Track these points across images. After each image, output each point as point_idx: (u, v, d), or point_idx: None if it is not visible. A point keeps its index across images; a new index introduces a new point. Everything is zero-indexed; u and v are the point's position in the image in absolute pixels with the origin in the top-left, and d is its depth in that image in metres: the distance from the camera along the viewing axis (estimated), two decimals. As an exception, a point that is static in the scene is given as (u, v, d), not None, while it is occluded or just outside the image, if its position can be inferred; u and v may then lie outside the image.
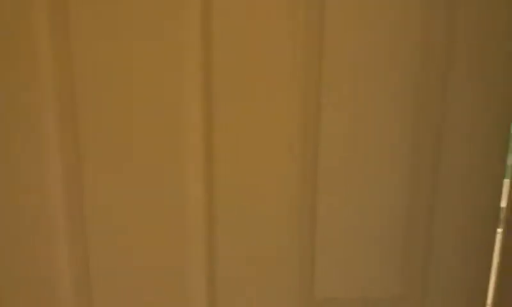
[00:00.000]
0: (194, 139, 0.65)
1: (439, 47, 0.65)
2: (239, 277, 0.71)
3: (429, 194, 0.70)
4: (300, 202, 0.69)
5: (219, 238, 0.69)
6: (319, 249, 0.71)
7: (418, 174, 0.69)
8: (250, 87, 0.63)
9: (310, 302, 0.73)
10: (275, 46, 0.62)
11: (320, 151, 0.67)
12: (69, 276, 0.68)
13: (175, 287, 0.70)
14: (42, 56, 0.60)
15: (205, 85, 0.63)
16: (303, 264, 0.71)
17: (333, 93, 0.65)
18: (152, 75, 0.62)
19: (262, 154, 0.66)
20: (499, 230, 0.73)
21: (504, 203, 0.73)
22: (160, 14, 0.60)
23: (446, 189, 0.70)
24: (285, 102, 0.64)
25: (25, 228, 0.65)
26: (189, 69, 0.62)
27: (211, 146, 0.65)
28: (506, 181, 0.72)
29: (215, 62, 0.62)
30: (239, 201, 0.68)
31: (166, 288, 0.70)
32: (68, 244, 0.67)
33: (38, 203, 0.65)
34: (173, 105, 0.63)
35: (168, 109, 0.63)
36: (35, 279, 0.67)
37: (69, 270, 0.68)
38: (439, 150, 0.68)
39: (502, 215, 0.73)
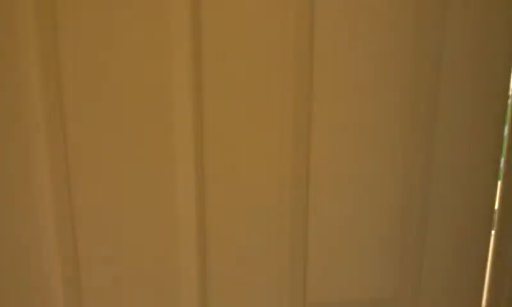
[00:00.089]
0: (184, 136, 0.64)
1: (433, 48, 0.65)
2: (230, 280, 0.70)
3: (423, 196, 0.70)
4: (292, 203, 0.68)
5: (209, 240, 0.68)
6: (311, 250, 0.71)
7: (412, 176, 0.69)
8: (241, 85, 0.63)
9: (302, 305, 0.73)
10: (266, 42, 0.62)
11: (312, 151, 0.67)
12: (59, 277, 0.67)
13: (166, 289, 0.70)
14: (29, 54, 0.59)
15: (195, 83, 0.62)
16: (295, 266, 0.71)
17: (325, 91, 0.65)
18: (141, 75, 0.61)
19: (253, 154, 0.66)
20: (493, 232, 0.73)
21: (496, 205, 0.73)
22: (149, 11, 0.60)
23: (440, 191, 0.70)
24: (276, 101, 0.64)
25: (13, 231, 0.65)
26: (179, 65, 0.62)
27: (201, 146, 0.65)
28: (498, 183, 0.72)
29: (205, 59, 0.62)
30: (230, 202, 0.67)
31: (157, 290, 0.70)
32: (58, 244, 0.66)
33: (26, 203, 0.64)
34: (163, 102, 0.63)
35: (158, 106, 0.63)
36: (25, 283, 0.67)
37: (59, 271, 0.67)
38: (432, 152, 0.68)
39: (495, 217, 0.73)
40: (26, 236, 0.65)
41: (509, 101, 0.69)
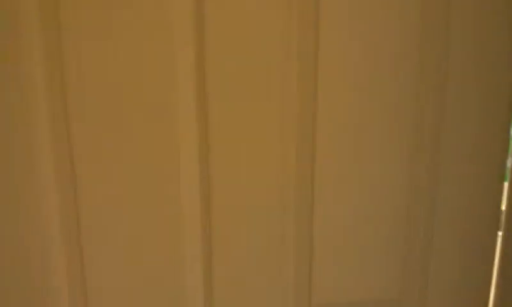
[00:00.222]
0: (189, 136, 0.64)
1: (438, 48, 0.64)
2: (235, 280, 0.70)
3: (429, 196, 0.70)
4: (297, 203, 0.68)
5: (214, 240, 0.68)
6: (316, 251, 0.70)
7: (418, 177, 0.69)
8: (245, 85, 0.63)
9: (308, 305, 0.73)
10: (271, 41, 0.62)
11: (317, 151, 0.66)
12: (64, 277, 0.67)
13: (171, 289, 0.70)
14: (33, 54, 0.59)
15: (199, 82, 0.62)
16: (300, 266, 0.71)
17: (329, 91, 0.64)
18: (145, 74, 0.61)
19: (258, 154, 0.65)
20: (500, 233, 0.73)
21: (503, 206, 0.72)
22: (153, 11, 0.60)
23: (446, 192, 0.70)
24: (281, 101, 0.64)
25: (18, 231, 0.65)
26: (182, 65, 0.61)
27: (206, 146, 0.65)
28: (505, 185, 0.71)
29: (208, 59, 0.62)
30: (235, 202, 0.67)
31: (162, 290, 0.70)
32: (62, 244, 0.66)
33: (31, 203, 0.64)
34: (167, 103, 0.62)
35: (162, 106, 0.63)
36: (30, 283, 0.67)
37: (64, 271, 0.67)
38: (438, 153, 0.68)
39: (502, 218, 0.72)
40: (31, 236, 0.65)
41: (516, 101, 0.68)
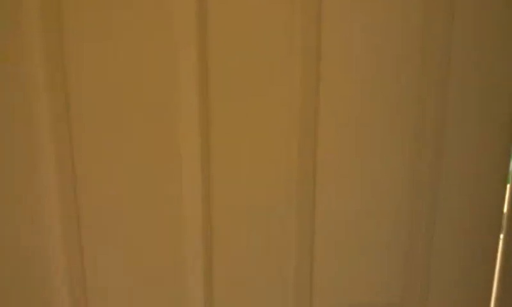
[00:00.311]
0: (190, 134, 0.64)
1: (441, 45, 0.64)
2: (236, 280, 0.70)
3: (431, 197, 0.70)
4: (299, 202, 0.68)
5: (215, 239, 0.68)
6: (317, 251, 0.70)
7: (420, 178, 0.69)
8: (247, 82, 0.63)
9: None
10: (273, 38, 0.62)
11: (319, 149, 0.66)
12: (65, 277, 0.67)
13: (171, 289, 0.69)
14: (35, 55, 0.59)
15: (201, 80, 0.62)
16: (301, 266, 0.70)
17: (332, 87, 0.64)
18: (147, 75, 0.61)
19: (260, 152, 0.65)
20: (502, 236, 0.72)
21: (505, 209, 0.72)
22: (155, 12, 0.60)
23: (448, 193, 0.69)
24: (283, 98, 0.64)
25: (19, 231, 0.65)
26: (185, 64, 0.61)
27: (208, 143, 0.64)
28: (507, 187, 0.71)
29: (211, 57, 0.62)
30: (237, 200, 0.67)
31: (163, 290, 0.69)
32: (63, 245, 0.66)
33: (32, 204, 0.64)
34: (169, 102, 0.62)
35: (164, 106, 0.63)
36: (30, 283, 0.67)
37: (64, 271, 0.67)
38: (441, 151, 0.68)
39: (504, 221, 0.72)
40: (32, 237, 0.65)
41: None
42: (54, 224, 0.65)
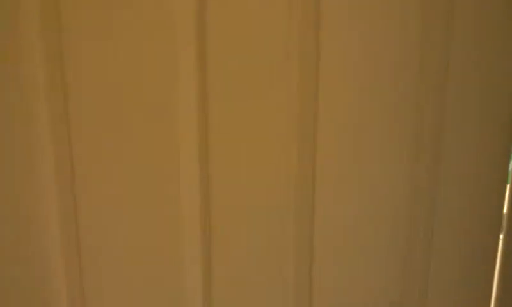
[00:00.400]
0: (189, 136, 0.64)
1: (440, 48, 0.64)
2: (234, 281, 0.70)
3: (430, 198, 0.69)
4: (298, 203, 0.68)
5: (214, 240, 0.68)
6: (316, 251, 0.70)
7: (419, 178, 0.68)
8: (246, 84, 0.63)
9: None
10: (272, 41, 0.62)
11: (318, 152, 0.66)
12: (62, 278, 0.68)
13: (170, 289, 0.70)
14: (34, 56, 0.59)
15: (200, 82, 0.62)
16: (300, 267, 0.70)
17: (331, 91, 0.64)
18: (146, 75, 0.61)
19: (259, 154, 0.65)
20: (501, 236, 0.72)
21: (505, 209, 0.72)
22: (154, 12, 0.59)
23: (447, 193, 0.69)
24: (281, 101, 0.64)
25: (17, 231, 0.65)
26: (184, 65, 0.61)
27: (206, 145, 0.64)
28: (507, 187, 0.71)
29: (209, 59, 0.62)
30: (235, 202, 0.67)
31: (162, 290, 0.70)
32: (61, 245, 0.66)
33: (30, 204, 0.64)
34: (168, 103, 0.63)
35: (163, 106, 0.63)
36: (28, 284, 0.67)
37: (62, 272, 0.67)
38: (440, 153, 0.68)
39: (504, 221, 0.72)
40: (30, 237, 0.65)
41: (519, 103, 0.68)
42: (53, 224, 0.65)
